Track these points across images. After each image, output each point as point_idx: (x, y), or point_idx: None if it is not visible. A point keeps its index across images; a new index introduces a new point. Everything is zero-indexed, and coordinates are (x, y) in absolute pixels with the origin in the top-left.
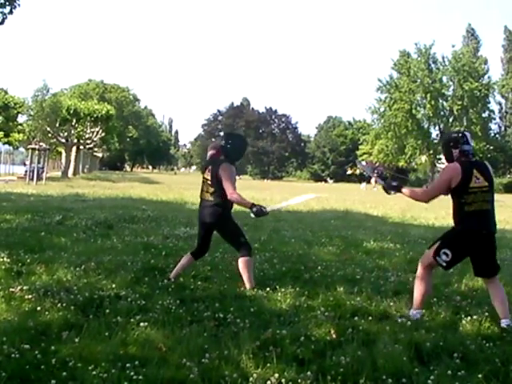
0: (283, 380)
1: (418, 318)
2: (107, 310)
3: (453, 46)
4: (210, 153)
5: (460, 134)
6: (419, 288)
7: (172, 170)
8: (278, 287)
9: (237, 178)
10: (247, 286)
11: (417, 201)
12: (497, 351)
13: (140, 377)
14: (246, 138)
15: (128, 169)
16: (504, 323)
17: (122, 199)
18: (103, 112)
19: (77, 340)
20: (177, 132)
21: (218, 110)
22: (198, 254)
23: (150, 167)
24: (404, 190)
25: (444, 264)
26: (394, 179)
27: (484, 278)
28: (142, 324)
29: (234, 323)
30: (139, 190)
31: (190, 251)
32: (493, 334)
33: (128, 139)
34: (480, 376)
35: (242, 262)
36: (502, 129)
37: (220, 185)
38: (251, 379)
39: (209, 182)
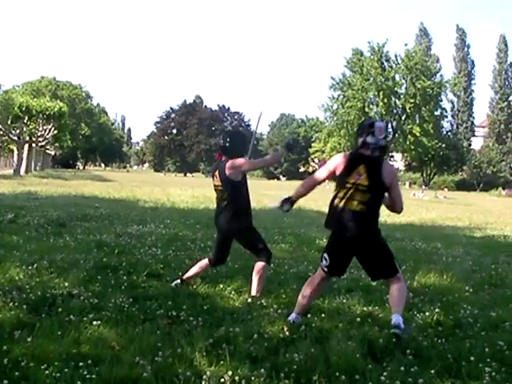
0: (236, 377)
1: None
2: (60, 309)
3: (405, 45)
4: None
5: (369, 123)
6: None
7: (124, 167)
8: (231, 285)
9: (189, 175)
10: (253, 292)
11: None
12: (449, 347)
13: (93, 376)
14: (243, 132)
15: (81, 166)
16: (393, 320)
17: (74, 197)
18: (56, 109)
19: (29, 339)
20: (129, 130)
21: (171, 108)
22: (217, 262)
23: (103, 165)
24: (293, 195)
25: (325, 269)
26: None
27: (381, 279)
28: (94, 322)
29: (187, 321)
30: (92, 188)
31: (208, 257)
32: (445, 331)
33: (80, 137)
34: (433, 372)
35: (257, 267)
36: (454, 127)
37: (233, 188)
38: (205, 377)
39: (220, 188)
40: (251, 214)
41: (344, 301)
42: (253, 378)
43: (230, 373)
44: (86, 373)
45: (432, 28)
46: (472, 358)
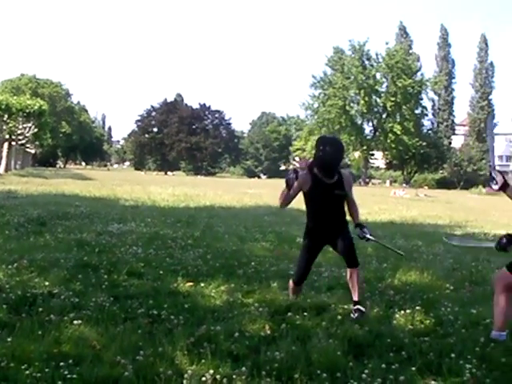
0: (218, 376)
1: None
2: (40, 309)
3: (386, 44)
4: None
5: None
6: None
7: (105, 166)
8: (212, 283)
9: (170, 174)
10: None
11: None
12: (430, 344)
13: (74, 375)
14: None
15: (61, 165)
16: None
17: (55, 196)
18: (36, 107)
19: (9, 339)
20: (110, 128)
21: (152, 106)
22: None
23: (84, 163)
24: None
25: None
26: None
27: None
28: (75, 322)
29: (168, 320)
30: (72, 187)
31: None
32: (426, 328)
33: (61, 135)
34: (414, 369)
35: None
36: (435, 125)
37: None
38: (186, 376)
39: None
40: (314, 225)
41: (325, 299)
42: (234, 376)
43: (211, 371)
44: (66, 372)
45: (413, 27)
46: (453, 355)
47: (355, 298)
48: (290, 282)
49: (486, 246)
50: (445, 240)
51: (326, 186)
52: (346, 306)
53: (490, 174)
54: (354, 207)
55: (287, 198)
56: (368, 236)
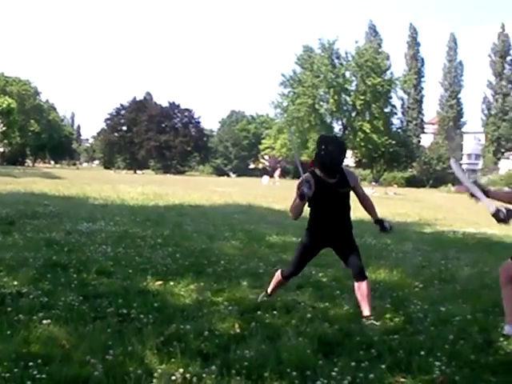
0: (188, 375)
1: None
2: (9, 308)
3: (356, 42)
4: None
5: None
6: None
7: (74, 164)
8: (181, 282)
9: (139, 172)
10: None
11: None
12: (400, 342)
13: (43, 375)
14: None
15: (30, 164)
16: None
17: (23, 195)
18: (4, 105)
19: None
20: (79, 127)
21: (121, 105)
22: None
23: (53, 162)
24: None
25: None
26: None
27: None
28: (44, 321)
29: (137, 319)
30: (41, 185)
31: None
32: (396, 326)
33: (30, 134)
34: (383, 367)
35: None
36: (404, 124)
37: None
38: (156, 375)
39: None
40: (313, 226)
41: (295, 297)
42: (204, 375)
43: (181, 370)
44: (35, 372)
45: (383, 26)
46: (422, 353)
47: (367, 313)
48: (278, 272)
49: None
50: (452, 161)
51: (330, 186)
52: (315, 305)
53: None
54: (368, 202)
55: (300, 209)
56: (388, 229)
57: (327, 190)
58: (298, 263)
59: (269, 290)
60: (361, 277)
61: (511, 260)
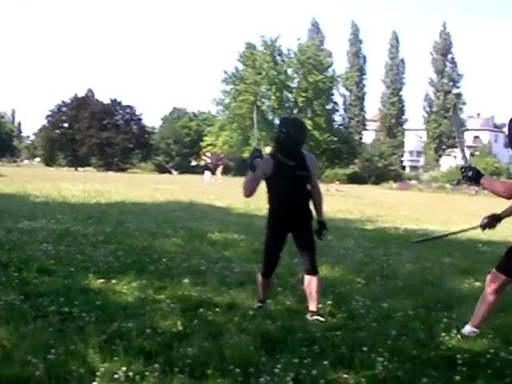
0: (130, 373)
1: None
2: None
3: (298, 39)
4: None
5: None
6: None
7: (15, 161)
8: (123, 280)
9: (81, 170)
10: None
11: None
12: (342, 338)
13: None
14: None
15: None
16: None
17: None
18: None
19: None
20: (20, 123)
21: (63, 101)
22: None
23: None
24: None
25: None
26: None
27: None
28: None
29: (79, 317)
30: None
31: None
32: (338, 322)
33: None
34: (326, 363)
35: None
36: (346, 120)
37: None
38: (98, 373)
39: None
40: (272, 213)
41: (237, 294)
42: (147, 373)
43: (123, 368)
44: None
45: (326, 23)
46: (365, 349)
47: (313, 308)
48: (259, 276)
49: (445, 234)
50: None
51: (288, 168)
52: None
53: (463, 169)
54: (318, 195)
55: (253, 185)
56: (322, 239)
57: (286, 172)
58: (270, 256)
59: (260, 297)
60: (312, 271)
61: (497, 270)
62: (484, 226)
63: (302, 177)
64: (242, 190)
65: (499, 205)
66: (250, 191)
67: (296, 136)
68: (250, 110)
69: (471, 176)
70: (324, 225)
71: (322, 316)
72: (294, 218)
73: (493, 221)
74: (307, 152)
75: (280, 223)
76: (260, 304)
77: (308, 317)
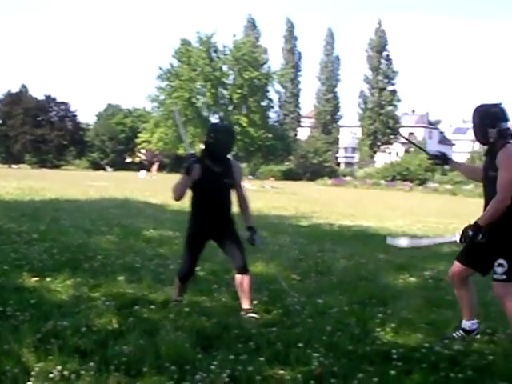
0: (66, 372)
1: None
2: None
3: (234, 36)
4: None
5: (500, 108)
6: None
7: None
8: (58, 278)
9: (15, 167)
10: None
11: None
12: (278, 334)
13: None
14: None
15: None
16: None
17: None
18: None
19: None
20: None
21: None
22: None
23: None
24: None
25: (504, 277)
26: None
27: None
28: None
29: (13, 316)
30: None
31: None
32: (273, 318)
33: None
34: (262, 359)
35: None
36: (281, 117)
37: None
38: (33, 373)
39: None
40: (192, 218)
41: (172, 291)
42: (82, 371)
43: (58, 368)
44: None
45: (262, 20)
46: (300, 345)
47: (246, 306)
48: (176, 278)
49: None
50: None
51: (215, 175)
52: (192, 298)
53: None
54: (244, 203)
55: (183, 189)
56: (258, 245)
57: (212, 178)
58: (188, 261)
59: (175, 297)
60: (243, 270)
61: (457, 261)
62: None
63: (227, 184)
64: (171, 193)
65: (433, 202)
66: (179, 195)
67: (224, 142)
68: (185, 106)
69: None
70: (254, 230)
71: (256, 313)
72: (215, 226)
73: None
74: (233, 159)
75: (201, 230)
76: (176, 302)
77: (243, 315)
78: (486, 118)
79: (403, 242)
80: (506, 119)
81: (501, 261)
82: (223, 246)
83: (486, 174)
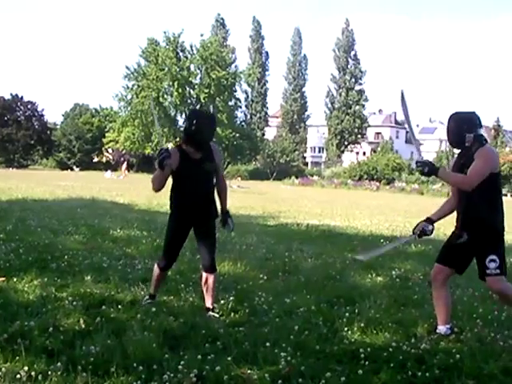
0: (33, 373)
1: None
2: None
3: (201, 35)
4: None
5: (476, 115)
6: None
7: None
8: (24, 278)
9: None
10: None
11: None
12: (245, 334)
13: None
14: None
15: None
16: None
17: None
18: None
19: None
20: None
21: None
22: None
23: None
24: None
25: (498, 271)
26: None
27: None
28: None
29: None
30: None
31: None
32: (241, 318)
33: None
34: (229, 359)
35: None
36: (248, 117)
37: None
38: (0, 374)
39: None
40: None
41: (139, 291)
42: (49, 372)
43: (25, 368)
44: None
45: (231, 19)
46: (268, 344)
47: (209, 305)
48: (155, 267)
49: (398, 244)
50: (357, 258)
51: (195, 162)
52: (160, 298)
53: (419, 164)
54: (222, 186)
55: (162, 180)
56: (229, 229)
57: (192, 165)
58: (170, 250)
59: (152, 291)
60: (210, 269)
61: (437, 263)
62: (420, 234)
63: (208, 171)
64: (151, 184)
65: (400, 201)
66: (159, 186)
67: (206, 129)
68: (149, 105)
69: (427, 172)
70: (228, 213)
71: (217, 313)
72: (198, 213)
73: (427, 226)
74: (214, 144)
75: (184, 218)
76: (150, 300)
77: (205, 313)
78: (464, 124)
79: (364, 257)
80: (481, 125)
81: (492, 256)
82: (199, 239)
83: (460, 173)
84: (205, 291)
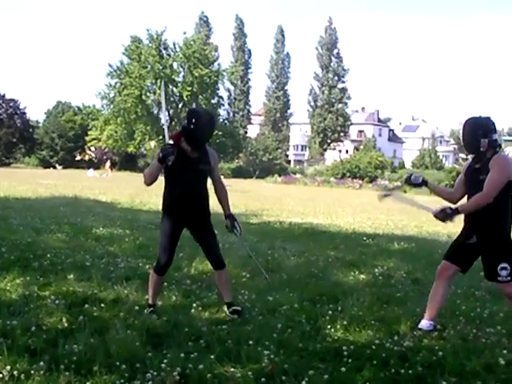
0: (15, 372)
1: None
2: None
3: (184, 33)
4: None
5: (491, 121)
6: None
7: None
8: (7, 277)
9: None
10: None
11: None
12: (228, 332)
13: None
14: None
15: None
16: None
17: None
18: None
19: None
20: None
21: None
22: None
23: None
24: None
25: (509, 278)
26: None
27: None
28: None
29: None
30: None
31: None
32: (224, 316)
33: None
34: (213, 357)
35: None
36: (231, 115)
37: None
38: None
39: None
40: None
41: (122, 290)
42: (32, 371)
43: (8, 367)
44: None
45: (214, 17)
46: (251, 342)
47: (228, 300)
48: (151, 274)
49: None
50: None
51: (191, 161)
52: (143, 297)
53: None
54: (222, 191)
55: (156, 173)
56: (237, 233)
57: (187, 163)
58: (165, 251)
59: (150, 301)
60: (219, 266)
61: (445, 260)
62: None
63: (203, 171)
64: (143, 177)
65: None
66: (151, 179)
67: (205, 128)
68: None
69: (452, 217)
70: (233, 217)
71: (238, 305)
72: (190, 213)
73: (418, 175)
74: (210, 147)
75: (176, 217)
76: (151, 309)
77: (225, 309)
78: (479, 129)
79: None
80: (495, 131)
81: (504, 264)
82: (199, 241)
83: (473, 179)
84: (220, 288)
